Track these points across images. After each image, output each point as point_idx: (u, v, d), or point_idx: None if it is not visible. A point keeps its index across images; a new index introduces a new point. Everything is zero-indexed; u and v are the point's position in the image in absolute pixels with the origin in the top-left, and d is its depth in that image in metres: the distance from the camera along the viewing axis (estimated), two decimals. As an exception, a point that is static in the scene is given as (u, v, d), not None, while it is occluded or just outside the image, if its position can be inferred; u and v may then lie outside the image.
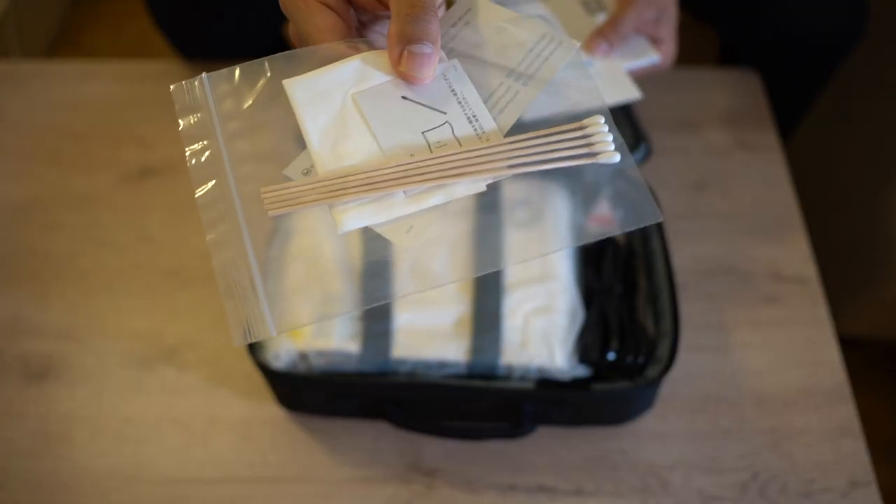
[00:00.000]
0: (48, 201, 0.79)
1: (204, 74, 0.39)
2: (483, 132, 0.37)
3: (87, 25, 1.59)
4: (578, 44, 0.40)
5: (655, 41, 0.66)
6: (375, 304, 0.39)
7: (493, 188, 0.66)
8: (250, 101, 0.39)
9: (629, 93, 0.64)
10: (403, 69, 0.37)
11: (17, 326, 0.70)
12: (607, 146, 0.35)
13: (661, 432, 0.64)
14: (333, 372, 0.60)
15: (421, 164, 0.36)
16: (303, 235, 0.63)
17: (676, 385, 0.66)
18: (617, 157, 0.35)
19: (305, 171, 0.37)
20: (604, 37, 0.64)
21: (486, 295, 0.61)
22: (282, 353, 0.59)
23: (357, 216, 0.35)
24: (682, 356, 0.63)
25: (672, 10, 0.66)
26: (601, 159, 0.35)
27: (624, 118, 0.73)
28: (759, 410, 0.65)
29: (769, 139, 0.83)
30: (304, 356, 0.60)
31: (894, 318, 1.13)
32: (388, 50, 0.38)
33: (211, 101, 0.39)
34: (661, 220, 0.35)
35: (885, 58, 0.97)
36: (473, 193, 0.35)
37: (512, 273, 0.62)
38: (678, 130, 0.84)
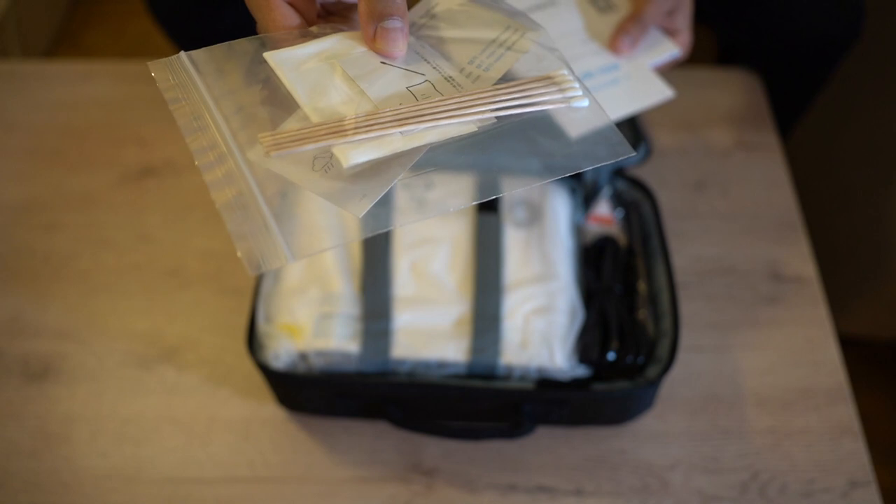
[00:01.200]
0: (48, 201, 0.79)
1: (182, 52, 0.41)
2: (462, 88, 0.40)
3: (87, 25, 1.59)
4: (545, 29, 0.43)
5: (671, 32, 0.65)
6: (381, 231, 0.41)
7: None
8: (231, 71, 0.41)
9: (662, 92, 0.62)
10: (379, 46, 0.40)
11: (17, 326, 0.70)
12: (576, 91, 0.39)
13: (661, 432, 0.64)
14: (333, 372, 0.60)
15: (412, 109, 0.38)
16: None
17: (676, 385, 0.66)
18: (586, 102, 0.39)
19: None
20: (626, 33, 0.63)
21: (486, 295, 0.61)
22: (282, 353, 0.59)
23: (359, 152, 0.37)
24: (682, 356, 0.63)
25: (687, 0, 0.66)
26: (573, 103, 0.39)
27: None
28: (759, 410, 0.65)
29: (769, 139, 0.83)
30: (304, 356, 0.60)
31: (894, 318, 1.13)
32: (361, 29, 0.41)
33: (193, 71, 0.41)
34: (632, 153, 0.38)
35: (884, 58, 0.97)
36: (465, 133, 0.38)
37: (512, 273, 0.62)
38: (678, 130, 0.84)
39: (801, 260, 0.74)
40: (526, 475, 0.62)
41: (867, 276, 1.11)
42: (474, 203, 0.64)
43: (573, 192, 0.69)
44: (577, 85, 0.39)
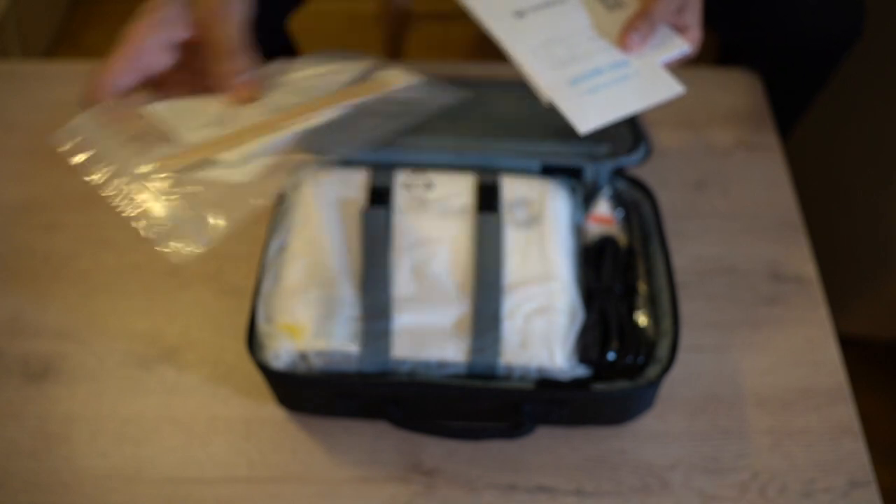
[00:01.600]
0: (48, 201, 0.79)
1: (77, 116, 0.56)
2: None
3: (87, 25, 1.60)
4: (403, 74, 0.57)
5: (681, 29, 0.65)
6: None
7: (492, 190, 0.66)
8: (121, 121, 0.56)
9: (671, 89, 0.61)
10: (238, 97, 0.53)
11: (17, 326, 0.70)
12: (398, 76, 0.56)
13: (661, 432, 0.64)
14: (333, 372, 0.60)
15: (277, 120, 0.53)
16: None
17: (676, 385, 0.66)
18: (414, 79, 0.56)
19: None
20: (636, 29, 0.62)
21: (486, 295, 0.61)
22: (282, 353, 0.59)
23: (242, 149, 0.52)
24: (682, 356, 0.63)
25: None
26: (404, 83, 0.56)
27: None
28: (759, 410, 0.65)
29: (769, 139, 0.83)
30: (304, 356, 0.60)
31: (894, 318, 1.14)
32: (218, 85, 0.53)
33: (90, 128, 0.55)
34: (450, 88, 0.56)
35: (884, 58, 0.97)
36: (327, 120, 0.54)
37: (512, 273, 0.62)
38: (678, 130, 0.84)
39: (801, 260, 0.74)
40: (526, 475, 0.62)
41: (867, 276, 1.11)
42: (474, 201, 0.65)
43: (573, 191, 0.69)
44: (399, 72, 0.55)
